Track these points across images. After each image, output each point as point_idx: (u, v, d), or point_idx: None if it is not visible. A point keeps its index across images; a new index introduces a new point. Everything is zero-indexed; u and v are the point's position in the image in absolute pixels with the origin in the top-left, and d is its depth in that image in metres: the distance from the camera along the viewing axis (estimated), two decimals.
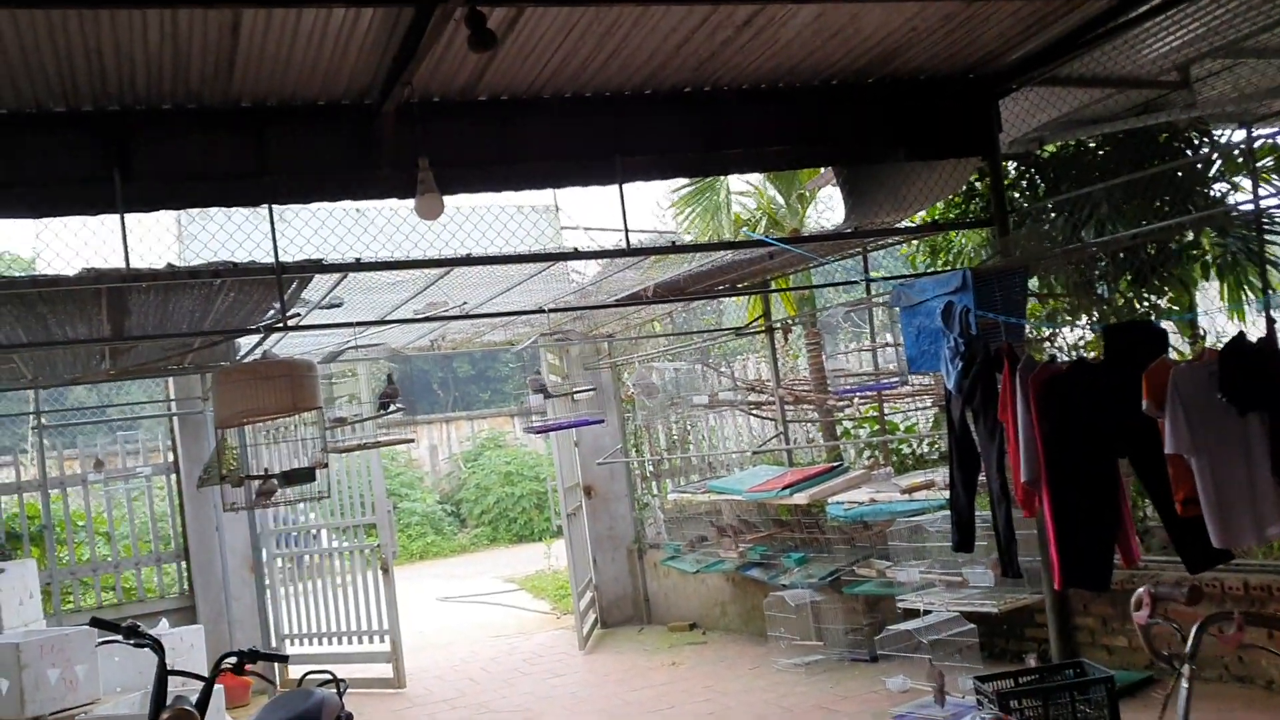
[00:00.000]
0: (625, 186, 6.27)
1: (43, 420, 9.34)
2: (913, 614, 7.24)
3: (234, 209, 7.36)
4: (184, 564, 10.00)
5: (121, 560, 9.94)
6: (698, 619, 10.56)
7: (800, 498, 8.14)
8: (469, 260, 6.23)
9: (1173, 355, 5.68)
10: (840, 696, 7.48)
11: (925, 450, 9.17)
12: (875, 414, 9.40)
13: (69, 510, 9.83)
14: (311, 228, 6.32)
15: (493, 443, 23.46)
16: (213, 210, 7.37)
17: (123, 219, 5.39)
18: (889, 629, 7.27)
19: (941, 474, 7.37)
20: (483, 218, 7.17)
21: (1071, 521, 5.49)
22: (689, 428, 11.29)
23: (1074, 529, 5.50)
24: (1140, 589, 3.78)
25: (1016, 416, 5.63)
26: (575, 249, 6.71)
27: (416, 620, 12.47)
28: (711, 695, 8.00)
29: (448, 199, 5.55)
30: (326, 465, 6.26)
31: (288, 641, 10.19)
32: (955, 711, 6.41)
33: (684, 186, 10.37)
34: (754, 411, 10.26)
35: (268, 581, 10.15)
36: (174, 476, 10.03)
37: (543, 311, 7.78)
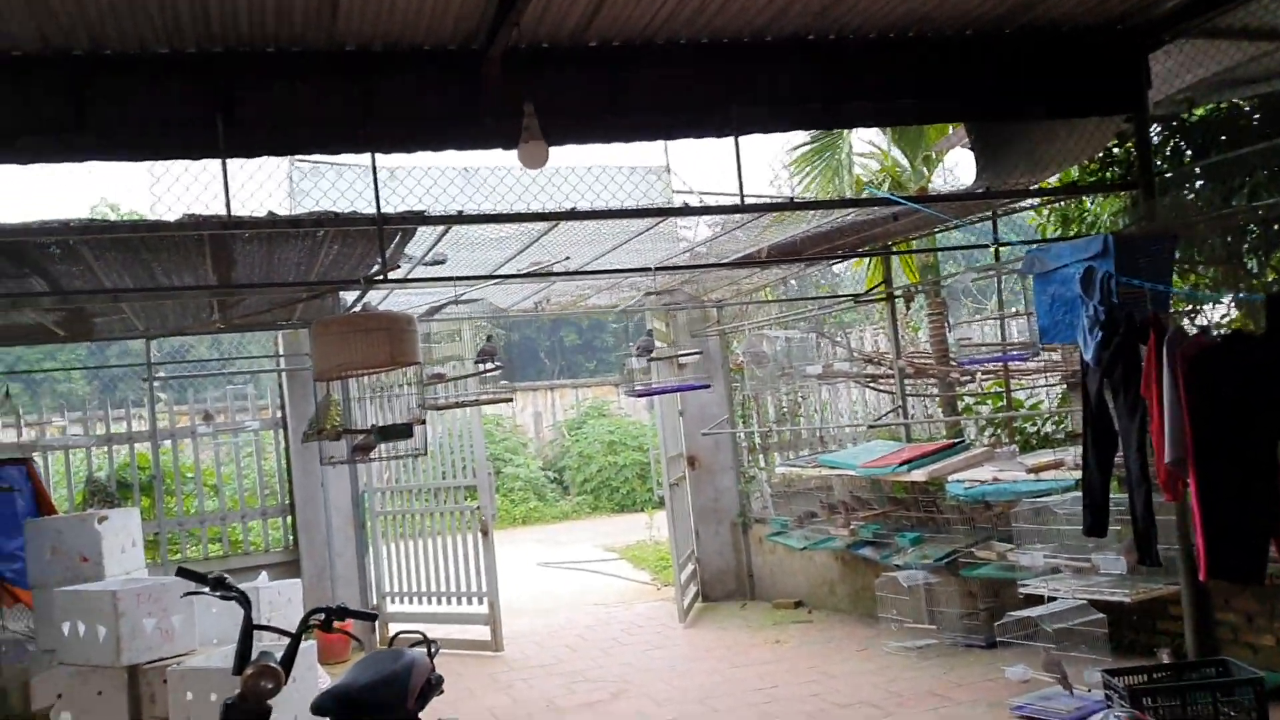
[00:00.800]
0: (741, 141, 5.95)
1: (154, 372, 9.44)
2: (1035, 600, 6.81)
3: (345, 166, 7.28)
4: (289, 519, 10.05)
5: (228, 512, 10.05)
6: (804, 597, 10.23)
7: (918, 474, 7.73)
8: (575, 215, 5.99)
9: None
10: (954, 683, 7.09)
11: (1051, 430, 8.66)
12: (999, 389, 8.91)
13: (178, 462, 9.95)
14: (414, 177, 6.16)
15: (596, 411, 23.40)
16: (324, 167, 7.29)
17: (224, 164, 5.30)
18: (1009, 615, 6.84)
19: (1071, 454, 6.91)
20: (590, 172, 6.93)
21: (1222, 507, 5.04)
22: (800, 399, 10.92)
23: (1224, 515, 5.05)
24: None
25: (1162, 392, 5.17)
26: (686, 204, 6.41)
27: (516, 585, 12.41)
28: (817, 676, 7.68)
29: (554, 150, 5.31)
30: (424, 422, 6.11)
31: (388, 600, 10.20)
32: (1081, 705, 5.98)
33: (802, 145, 9.94)
34: (870, 384, 9.84)
35: (369, 539, 10.17)
36: (281, 432, 10.08)
37: (650, 270, 7.50)
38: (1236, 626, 6.50)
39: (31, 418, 9.60)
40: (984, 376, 9.20)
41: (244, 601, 4.25)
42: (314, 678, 6.11)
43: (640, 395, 8.11)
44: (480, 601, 9.72)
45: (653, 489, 18.87)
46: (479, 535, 9.72)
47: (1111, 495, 5.94)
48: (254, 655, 4.19)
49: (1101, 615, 6.57)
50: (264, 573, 7.54)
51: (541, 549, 16.66)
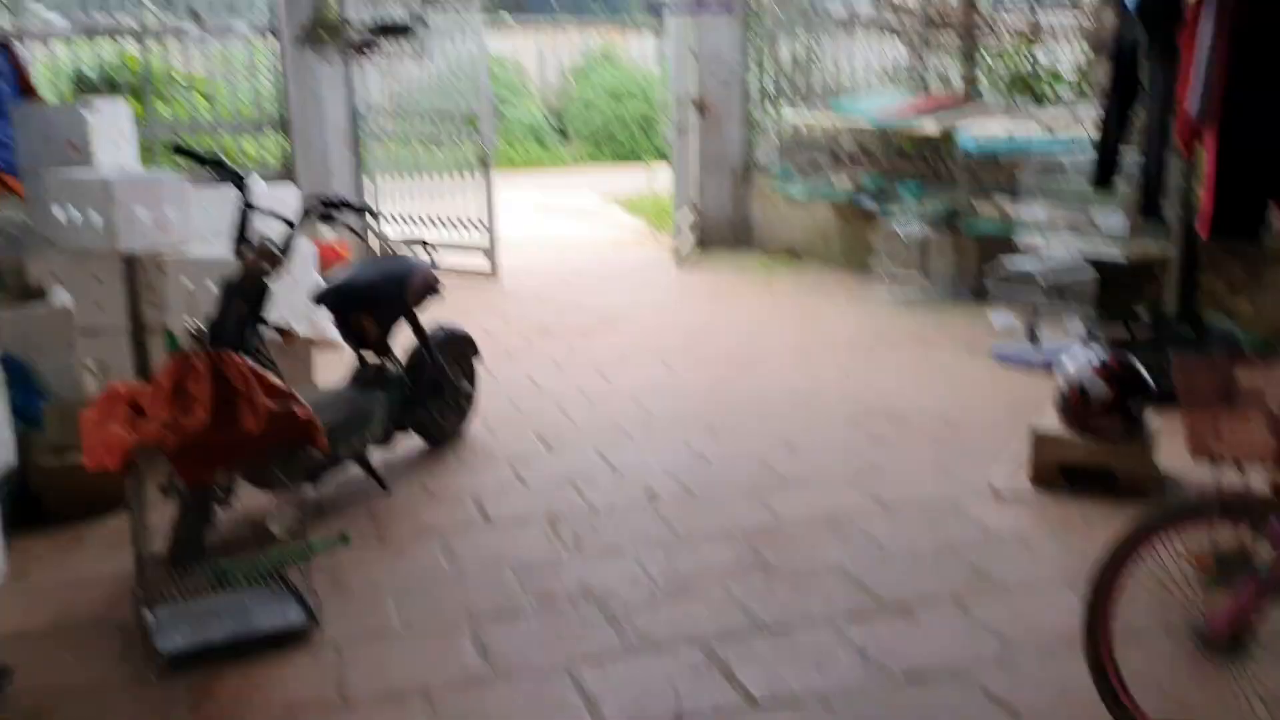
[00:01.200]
0: None
1: None
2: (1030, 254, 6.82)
3: None
4: (284, 136, 9.83)
5: (220, 121, 9.77)
6: (799, 248, 10.27)
7: (930, 124, 7.53)
8: None
9: None
10: (938, 329, 7.25)
11: (1071, 97, 8.37)
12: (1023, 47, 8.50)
13: (168, 66, 9.57)
14: None
15: (603, 56, 22.59)
16: None
17: None
18: (1003, 261, 6.87)
19: (1090, 113, 6.69)
20: None
21: (1236, 164, 4.92)
22: (818, 48, 10.43)
23: (1237, 175, 4.94)
24: None
25: (1198, 40, 4.92)
26: None
27: (513, 227, 12.40)
28: (805, 317, 7.84)
29: None
30: (425, 22, 5.80)
31: (385, 223, 10.19)
32: (1058, 348, 6.11)
33: None
34: (892, 31, 9.36)
35: (366, 163, 10.01)
36: (274, 39, 9.61)
37: None
38: (1219, 294, 6.56)
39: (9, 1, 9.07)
40: (1009, 36, 8.78)
41: (239, 182, 4.18)
42: (312, 279, 6.17)
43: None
44: (478, 229, 9.76)
45: (657, 141, 18.58)
46: (479, 164, 9.61)
47: (1126, 155, 5.82)
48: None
49: (1093, 275, 6.62)
50: (255, 175, 7.42)
51: (539, 194, 16.59)
